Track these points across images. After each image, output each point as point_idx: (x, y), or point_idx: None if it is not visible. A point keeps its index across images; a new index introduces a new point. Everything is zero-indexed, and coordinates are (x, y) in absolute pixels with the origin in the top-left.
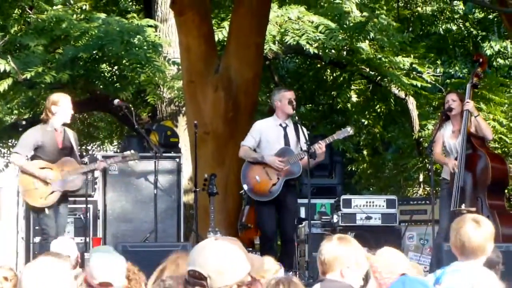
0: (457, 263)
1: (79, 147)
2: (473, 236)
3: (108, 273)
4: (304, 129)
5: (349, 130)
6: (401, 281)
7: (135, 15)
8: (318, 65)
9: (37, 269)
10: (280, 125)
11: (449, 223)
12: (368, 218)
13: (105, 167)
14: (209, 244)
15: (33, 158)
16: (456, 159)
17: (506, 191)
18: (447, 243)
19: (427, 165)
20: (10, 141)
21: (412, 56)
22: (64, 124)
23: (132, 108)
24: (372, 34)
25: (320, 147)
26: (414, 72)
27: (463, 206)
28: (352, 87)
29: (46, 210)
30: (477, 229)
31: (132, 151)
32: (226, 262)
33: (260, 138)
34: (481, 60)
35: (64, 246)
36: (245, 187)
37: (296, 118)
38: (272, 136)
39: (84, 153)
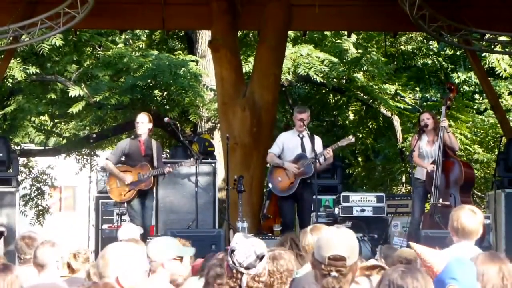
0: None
1: (162, 153)
2: (471, 222)
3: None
4: (318, 139)
5: (351, 138)
6: (456, 260)
7: (180, 52)
8: (323, 91)
9: (121, 249)
10: (298, 135)
11: (420, 215)
12: (362, 210)
13: (170, 171)
14: (337, 232)
15: (122, 162)
16: (432, 163)
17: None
18: (424, 230)
19: (408, 169)
20: (83, 150)
21: (396, 84)
22: (145, 135)
23: (178, 124)
24: (365, 67)
25: (328, 152)
26: (398, 96)
27: (440, 201)
28: (350, 108)
29: (125, 204)
30: (474, 217)
31: (191, 159)
32: (355, 245)
33: (283, 146)
34: (452, 87)
35: (130, 231)
36: (270, 185)
37: (307, 131)
38: (291, 145)
39: None
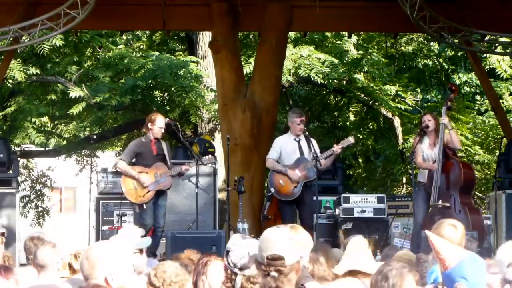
0: None
1: (171, 154)
2: (453, 238)
3: None
4: (314, 141)
5: (350, 140)
6: (470, 259)
7: (181, 53)
8: (324, 92)
9: (106, 248)
10: (294, 139)
11: (423, 217)
12: (363, 211)
13: (188, 169)
14: (276, 232)
15: (134, 163)
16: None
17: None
18: (424, 231)
19: (409, 170)
20: (83, 151)
21: (397, 85)
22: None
23: (179, 126)
24: (366, 68)
25: (337, 149)
26: (398, 97)
27: (439, 202)
28: (350, 109)
29: (144, 206)
30: (455, 231)
31: (209, 156)
32: (295, 245)
33: (280, 151)
34: (453, 88)
35: (131, 231)
36: (272, 190)
37: (307, 133)
38: (289, 149)
39: None
